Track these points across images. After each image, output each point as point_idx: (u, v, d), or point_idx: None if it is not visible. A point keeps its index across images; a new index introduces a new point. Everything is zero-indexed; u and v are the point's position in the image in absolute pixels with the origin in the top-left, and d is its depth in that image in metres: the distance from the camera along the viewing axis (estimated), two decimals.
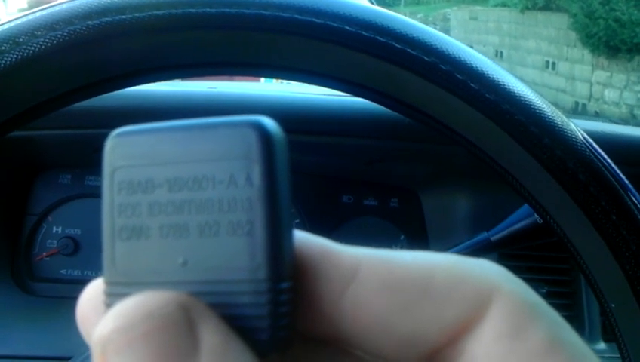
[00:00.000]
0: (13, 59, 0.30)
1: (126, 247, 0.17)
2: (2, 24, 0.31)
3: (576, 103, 6.48)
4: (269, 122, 0.17)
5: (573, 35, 6.43)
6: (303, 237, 0.18)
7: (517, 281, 0.17)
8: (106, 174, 0.17)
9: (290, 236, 0.17)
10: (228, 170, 0.16)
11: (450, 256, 0.17)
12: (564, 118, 0.36)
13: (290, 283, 0.16)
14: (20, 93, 0.32)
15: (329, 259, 0.17)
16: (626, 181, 0.36)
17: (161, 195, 0.17)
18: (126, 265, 0.17)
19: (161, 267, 0.17)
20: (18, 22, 0.31)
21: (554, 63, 6.99)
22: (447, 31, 9.53)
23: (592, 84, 6.29)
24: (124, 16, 0.31)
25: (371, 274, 0.17)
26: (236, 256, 0.16)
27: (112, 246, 0.17)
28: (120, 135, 0.17)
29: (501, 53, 8.30)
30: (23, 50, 0.30)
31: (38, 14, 0.31)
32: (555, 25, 6.99)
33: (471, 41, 8.83)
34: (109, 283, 0.17)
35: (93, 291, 0.18)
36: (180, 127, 0.17)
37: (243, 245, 0.16)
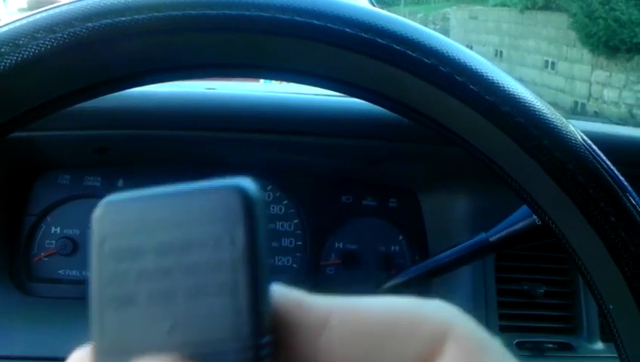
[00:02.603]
0: (13, 62, 0.30)
1: (114, 316, 0.17)
2: (2, 26, 0.31)
3: (576, 103, 6.49)
4: (249, 185, 0.18)
5: (572, 34, 6.43)
6: (278, 291, 0.19)
7: (469, 320, 0.18)
8: (95, 243, 0.18)
9: (269, 292, 0.18)
10: (213, 234, 0.17)
11: (411, 299, 0.19)
12: (564, 119, 0.36)
13: (270, 336, 0.17)
14: (20, 95, 0.32)
15: (302, 310, 0.18)
16: (625, 182, 0.36)
17: (149, 262, 0.17)
18: (115, 334, 0.17)
19: (149, 333, 0.17)
20: (18, 24, 0.31)
21: (553, 63, 6.99)
22: (446, 31, 9.54)
23: (591, 84, 6.30)
24: (124, 18, 0.31)
25: (341, 321, 0.18)
26: (221, 316, 0.17)
27: (101, 315, 0.17)
28: (108, 203, 0.18)
29: (501, 52, 8.30)
30: (22, 53, 0.30)
31: (37, 16, 0.31)
32: (555, 24, 6.99)
33: (470, 41, 8.83)
34: (97, 351, 0.17)
35: (81, 359, 0.18)
36: (167, 194, 0.18)
37: (228, 304, 0.17)
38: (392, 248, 0.91)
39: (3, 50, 0.30)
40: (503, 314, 0.83)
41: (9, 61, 0.30)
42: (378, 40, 0.33)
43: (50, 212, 0.86)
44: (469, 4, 9.79)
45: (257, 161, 0.89)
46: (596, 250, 0.37)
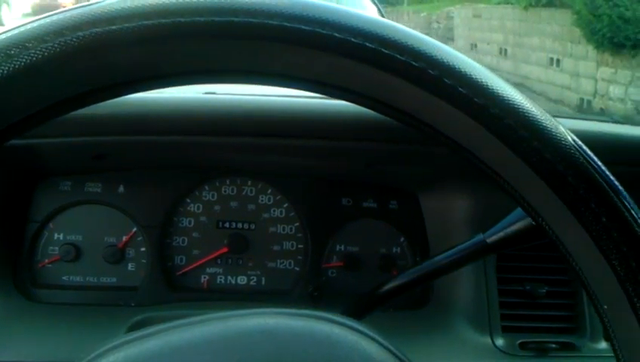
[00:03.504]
0: (22, 64, 0.30)
1: None
2: (10, 29, 0.31)
3: (582, 100, 6.46)
4: None
5: (577, 31, 6.40)
6: None
7: None
8: None
9: None
10: None
11: None
12: (554, 120, 0.36)
13: None
14: (25, 99, 0.32)
15: None
16: (617, 183, 0.36)
17: None
18: None
19: None
20: (26, 27, 0.31)
21: (558, 60, 6.97)
22: (450, 29, 9.52)
23: (596, 81, 6.27)
24: (129, 25, 0.31)
25: None
26: None
27: None
28: None
29: (505, 50, 8.28)
30: (31, 55, 0.30)
31: (46, 20, 0.31)
32: (559, 22, 6.96)
33: (475, 39, 8.82)
34: None
35: None
36: None
37: None
38: (394, 250, 0.91)
39: (12, 52, 0.30)
40: (506, 315, 0.83)
41: (17, 64, 0.30)
42: (367, 44, 0.34)
43: (53, 218, 0.86)
44: (472, 3, 9.76)
45: (257, 165, 0.89)
46: (589, 250, 0.37)
